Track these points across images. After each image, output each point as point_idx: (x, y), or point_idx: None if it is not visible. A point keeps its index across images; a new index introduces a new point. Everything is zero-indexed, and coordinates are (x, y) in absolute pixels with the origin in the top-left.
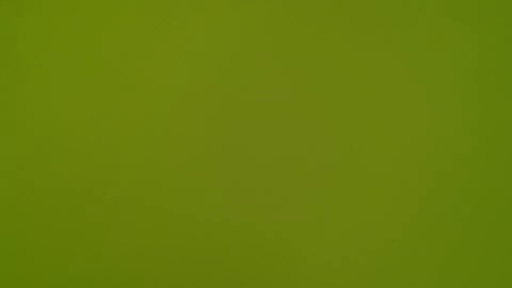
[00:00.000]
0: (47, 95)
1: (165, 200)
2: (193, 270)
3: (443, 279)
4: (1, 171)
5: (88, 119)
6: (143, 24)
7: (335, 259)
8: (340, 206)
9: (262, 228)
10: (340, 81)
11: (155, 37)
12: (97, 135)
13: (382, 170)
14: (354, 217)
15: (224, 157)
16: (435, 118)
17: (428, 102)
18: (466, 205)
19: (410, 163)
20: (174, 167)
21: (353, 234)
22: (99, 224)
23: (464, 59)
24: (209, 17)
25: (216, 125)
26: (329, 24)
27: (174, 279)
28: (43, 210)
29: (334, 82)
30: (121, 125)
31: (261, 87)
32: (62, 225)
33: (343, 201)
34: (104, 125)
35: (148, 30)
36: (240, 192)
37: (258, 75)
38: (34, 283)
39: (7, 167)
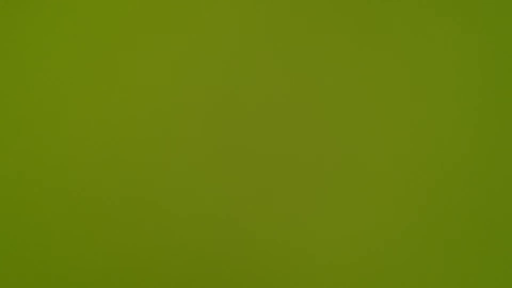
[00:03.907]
0: (46, 96)
1: (165, 200)
2: (191, 270)
3: (445, 279)
4: (1, 170)
5: (87, 119)
6: (143, 24)
7: (334, 260)
8: (339, 206)
9: (262, 228)
10: (340, 81)
11: (155, 36)
12: (96, 135)
13: (382, 170)
14: (353, 217)
15: (224, 157)
16: (435, 118)
17: (428, 101)
18: (467, 205)
19: (410, 163)
20: (174, 167)
21: (352, 234)
22: (97, 223)
23: (464, 58)
24: (209, 17)
25: (215, 125)
26: (328, 24)
27: (173, 279)
28: (42, 210)
29: (333, 82)
30: (120, 124)
31: (260, 86)
32: (62, 224)
33: (342, 201)
34: (103, 124)
35: (148, 30)
36: (240, 192)
37: (257, 75)
38: (34, 283)
39: (7, 167)
